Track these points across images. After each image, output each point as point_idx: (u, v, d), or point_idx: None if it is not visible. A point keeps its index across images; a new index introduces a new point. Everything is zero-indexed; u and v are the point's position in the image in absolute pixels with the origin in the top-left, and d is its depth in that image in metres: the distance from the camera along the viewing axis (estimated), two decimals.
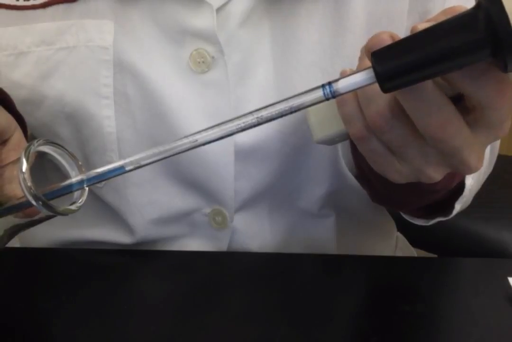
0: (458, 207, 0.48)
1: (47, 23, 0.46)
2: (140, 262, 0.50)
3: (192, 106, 0.47)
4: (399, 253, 0.67)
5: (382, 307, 0.44)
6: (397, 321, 0.42)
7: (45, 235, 0.57)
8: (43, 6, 0.46)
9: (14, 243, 0.61)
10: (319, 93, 0.28)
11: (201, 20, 0.45)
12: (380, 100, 0.31)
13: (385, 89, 0.28)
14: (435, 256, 0.98)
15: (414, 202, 0.48)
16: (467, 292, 0.47)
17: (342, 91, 0.28)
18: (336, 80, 0.28)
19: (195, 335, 0.41)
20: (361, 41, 0.38)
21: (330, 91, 0.28)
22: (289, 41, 0.46)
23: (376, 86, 0.28)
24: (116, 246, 0.54)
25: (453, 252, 0.94)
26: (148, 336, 0.41)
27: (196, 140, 0.30)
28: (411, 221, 0.53)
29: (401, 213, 0.53)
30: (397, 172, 0.34)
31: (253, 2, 0.46)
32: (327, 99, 0.29)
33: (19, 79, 0.47)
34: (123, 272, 0.49)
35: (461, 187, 0.47)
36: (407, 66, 0.27)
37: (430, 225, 0.52)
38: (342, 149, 0.50)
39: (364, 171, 0.45)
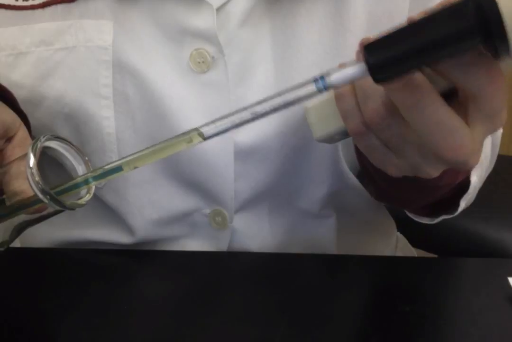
0: (463, 204, 0.48)
1: (46, 23, 0.46)
2: (140, 262, 0.50)
3: (192, 107, 0.47)
4: (399, 253, 0.67)
5: (382, 307, 0.44)
6: (397, 321, 0.42)
7: (46, 235, 0.57)
8: (42, 6, 0.46)
9: (14, 243, 0.61)
10: (311, 86, 0.28)
11: (201, 20, 0.45)
12: (377, 97, 0.31)
13: (377, 80, 0.28)
14: (435, 256, 0.98)
15: (418, 199, 0.48)
16: (467, 292, 0.47)
17: (334, 83, 0.28)
18: (329, 73, 0.28)
19: (195, 335, 0.41)
20: None
21: (323, 83, 0.28)
22: (289, 41, 0.46)
23: (373, 82, 0.28)
24: (116, 246, 0.54)
25: (453, 252, 0.94)
26: (148, 336, 0.41)
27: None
28: (416, 219, 0.53)
29: (406, 212, 0.53)
30: (395, 166, 0.35)
31: (253, 2, 0.45)
32: (320, 91, 0.28)
33: (19, 80, 0.47)
34: (123, 272, 0.49)
35: (464, 184, 0.47)
36: (399, 56, 0.27)
37: (430, 225, 0.52)
38: (343, 149, 0.50)
39: (367, 169, 0.45)
